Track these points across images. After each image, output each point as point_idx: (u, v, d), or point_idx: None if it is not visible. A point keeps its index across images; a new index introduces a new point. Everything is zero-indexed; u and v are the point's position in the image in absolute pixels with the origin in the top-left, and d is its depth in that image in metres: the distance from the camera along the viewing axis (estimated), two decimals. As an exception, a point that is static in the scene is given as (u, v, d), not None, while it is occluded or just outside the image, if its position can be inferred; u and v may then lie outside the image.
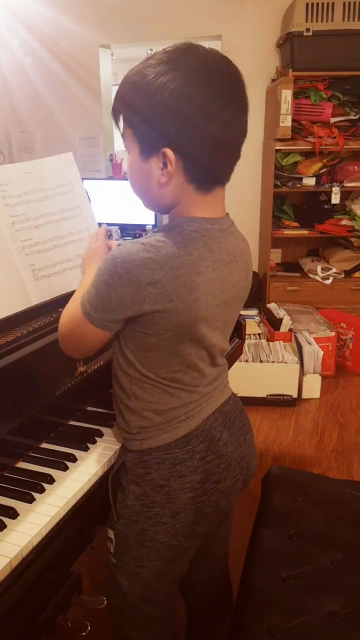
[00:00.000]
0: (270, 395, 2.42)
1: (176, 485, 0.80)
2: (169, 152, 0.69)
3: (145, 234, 3.46)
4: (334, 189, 2.92)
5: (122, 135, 0.75)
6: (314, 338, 2.57)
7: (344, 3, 2.59)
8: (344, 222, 3.05)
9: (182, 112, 0.66)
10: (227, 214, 0.80)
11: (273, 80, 2.94)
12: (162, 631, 0.94)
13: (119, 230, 3.08)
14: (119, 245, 0.74)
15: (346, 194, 3.07)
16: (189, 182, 0.72)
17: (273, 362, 2.40)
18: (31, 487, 0.79)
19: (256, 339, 2.65)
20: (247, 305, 3.15)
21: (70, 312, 0.81)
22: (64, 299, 1.06)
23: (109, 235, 1.04)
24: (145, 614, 0.89)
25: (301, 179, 2.97)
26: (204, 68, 0.67)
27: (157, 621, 0.92)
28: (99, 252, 0.98)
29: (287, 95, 2.65)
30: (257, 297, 3.18)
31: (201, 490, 0.82)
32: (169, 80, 0.65)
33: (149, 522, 0.81)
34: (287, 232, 3.06)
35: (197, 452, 0.81)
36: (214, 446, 0.83)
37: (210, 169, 0.72)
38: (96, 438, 0.94)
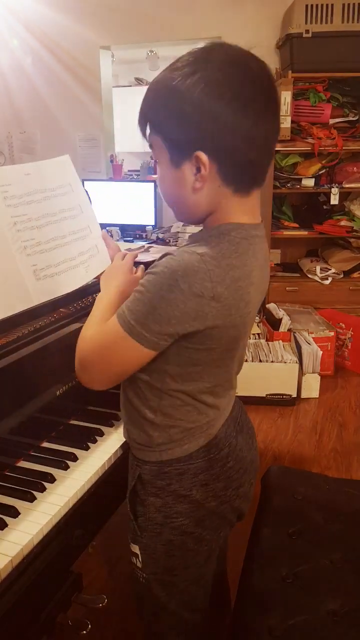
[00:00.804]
0: (270, 394, 2.42)
1: (200, 495, 0.78)
2: (202, 155, 0.66)
3: (146, 235, 3.42)
4: (333, 189, 2.93)
5: (150, 145, 0.72)
6: (313, 338, 2.57)
7: (343, 4, 2.59)
8: (343, 222, 3.05)
9: (212, 111, 0.64)
10: None
11: (272, 82, 2.94)
12: (204, 634, 0.93)
13: (119, 231, 3.08)
14: (160, 258, 0.68)
15: (345, 195, 3.08)
16: (226, 184, 0.68)
17: (272, 361, 2.41)
18: (32, 486, 0.79)
19: (255, 338, 2.66)
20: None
21: (100, 336, 0.73)
22: (65, 299, 1.07)
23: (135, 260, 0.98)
24: (186, 619, 0.87)
25: (300, 180, 2.97)
26: (231, 66, 0.65)
27: (199, 625, 0.90)
28: (123, 270, 0.91)
29: (286, 96, 2.66)
30: (256, 297, 3.18)
31: (224, 497, 0.81)
32: (197, 81, 0.63)
33: (174, 533, 0.79)
34: (286, 232, 3.07)
35: (219, 459, 0.80)
36: (233, 452, 0.82)
37: (245, 168, 0.68)
38: (97, 437, 0.94)
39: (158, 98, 0.68)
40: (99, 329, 0.75)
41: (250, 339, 2.67)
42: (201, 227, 0.77)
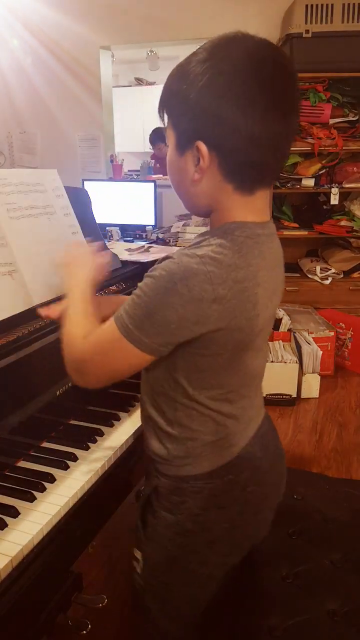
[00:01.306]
0: (270, 394, 2.42)
1: (214, 517, 0.76)
2: (202, 146, 0.64)
3: (146, 235, 3.42)
4: (333, 189, 2.93)
5: (166, 128, 0.71)
6: (313, 338, 2.57)
7: (343, 4, 2.59)
8: (343, 222, 3.05)
9: (214, 105, 0.61)
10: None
11: (272, 82, 2.94)
12: None
13: (119, 231, 3.08)
14: (163, 259, 0.66)
15: (345, 195, 3.08)
16: (227, 180, 0.66)
17: (272, 361, 2.41)
18: (32, 486, 0.79)
19: (256, 339, 2.65)
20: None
21: (96, 338, 0.70)
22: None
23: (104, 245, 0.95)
24: (173, 633, 0.86)
25: (300, 179, 2.97)
26: (243, 60, 0.62)
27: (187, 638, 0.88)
28: (84, 257, 0.87)
29: (286, 96, 2.66)
30: (256, 297, 3.18)
31: (240, 522, 0.78)
32: (206, 69, 0.62)
33: (180, 550, 0.77)
34: (286, 232, 3.07)
35: (239, 482, 0.77)
36: (255, 475, 0.79)
37: (246, 167, 0.65)
38: (97, 437, 0.94)
39: (172, 80, 0.67)
40: (93, 329, 0.72)
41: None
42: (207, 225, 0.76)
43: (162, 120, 0.70)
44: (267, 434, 0.84)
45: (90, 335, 0.72)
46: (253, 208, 0.69)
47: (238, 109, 0.61)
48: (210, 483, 0.75)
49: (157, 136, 4.22)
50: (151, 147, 4.57)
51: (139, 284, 0.66)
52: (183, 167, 0.68)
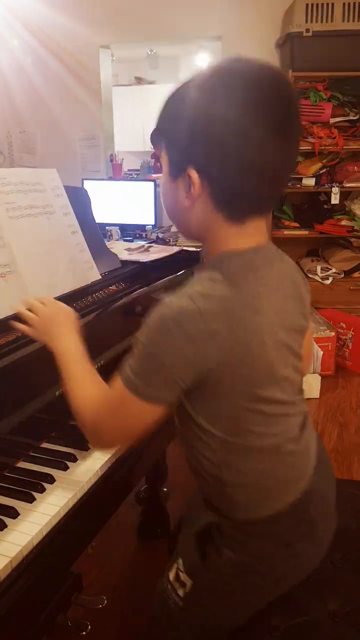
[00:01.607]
0: (270, 395, 2.42)
1: (281, 555, 0.74)
2: (193, 174, 0.62)
3: (146, 234, 3.41)
4: (333, 189, 2.93)
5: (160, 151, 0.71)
6: (313, 338, 2.57)
7: (344, 3, 2.59)
8: (344, 222, 3.05)
9: (208, 130, 0.60)
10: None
11: (273, 81, 2.94)
12: None
13: (119, 231, 3.08)
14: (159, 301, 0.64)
15: (346, 194, 3.08)
16: (218, 209, 0.64)
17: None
18: (32, 487, 0.79)
19: (256, 339, 2.65)
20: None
21: (105, 398, 0.69)
22: (65, 298, 1.07)
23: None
24: None
25: (301, 179, 2.97)
26: (242, 85, 0.60)
27: None
28: (59, 312, 0.84)
29: (286, 95, 2.66)
30: (256, 297, 3.18)
31: (305, 558, 0.77)
32: (201, 95, 0.61)
33: (243, 586, 0.76)
34: (286, 232, 3.07)
35: (306, 518, 0.75)
36: (319, 506, 0.77)
37: (240, 198, 0.64)
38: (96, 438, 0.94)
39: (167, 102, 0.67)
40: (100, 389, 0.72)
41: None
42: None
43: (157, 142, 0.70)
44: (319, 454, 0.81)
45: (99, 397, 0.71)
46: (245, 234, 0.67)
47: (232, 138, 0.60)
48: (278, 524, 0.73)
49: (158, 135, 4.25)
50: (152, 147, 4.57)
51: (137, 335, 0.65)
52: (175, 192, 0.67)
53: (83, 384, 0.75)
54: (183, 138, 0.63)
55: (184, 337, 0.60)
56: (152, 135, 0.72)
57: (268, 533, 0.74)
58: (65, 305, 0.86)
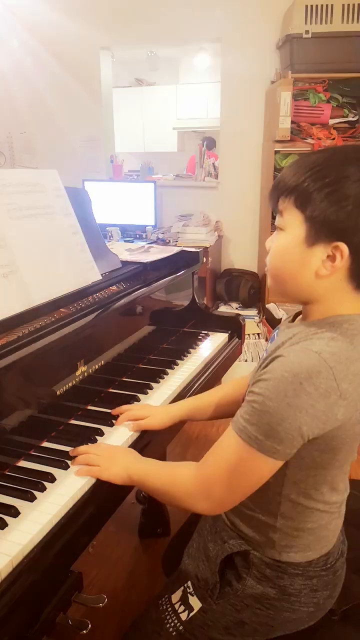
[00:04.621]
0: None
1: (305, 599, 0.76)
2: (344, 247, 0.64)
3: (146, 235, 3.40)
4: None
5: (281, 211, 0.69)
6: None
7: (343, 5, 2.60)
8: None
9: None
10: None
11: (272, 83, 2.95)
12: None
13: (119, 232, 3.08)
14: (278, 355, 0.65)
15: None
16: (350, 280, 0.66)
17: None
18: (32, 486, 0.79)
19: (255, 338, 2.66)
20: (246, 306, 3.16)
21: (221, 461, 0.69)
22: (65, 299, 1.07)
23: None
24: None
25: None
26: None
27: None
28: (116, 450, 0.87)
29: (286, 97, 2.66)
30: (256, 297, 3.18)
31: (323, 605, 0.79)
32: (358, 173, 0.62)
33: (254, 619, 0.76)
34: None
35: (333, 568, 0.78)
36: (343, 555, 0.81)
37: None
38: (97, 437, 0.94)
39: (321, 177, 0.64)
40: (184, 466, 0.73)
41: (250, 338, 2.67)
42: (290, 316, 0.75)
43: (275, 203, 0.69)
44: None
45: (195, 471, 0.71)
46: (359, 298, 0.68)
47: None
48: (310, 569, 0.75)
49: (212, 142, 4.74)
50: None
51: (254, 390, 0.65)
52: (306, 259, 0.67)
53: (171, 475, 0.76)
54: (341, 213, 0.63)
55: (317, 395, 0.60)
56: (278, 192, 0.70)
57: (298, 574, 0.76)
58: (111, 450, 0.87)
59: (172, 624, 0.80)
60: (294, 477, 0.70)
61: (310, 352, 0.62)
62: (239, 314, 1.54)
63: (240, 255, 3.38)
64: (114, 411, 1.00)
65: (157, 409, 0.99)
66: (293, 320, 0.78)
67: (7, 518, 0.73)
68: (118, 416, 1.00)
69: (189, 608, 0.79)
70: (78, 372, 1.01)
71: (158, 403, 1.07)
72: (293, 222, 0.67)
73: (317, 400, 0.61)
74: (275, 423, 0.62)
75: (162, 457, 1.59)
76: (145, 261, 1.37)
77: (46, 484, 0.80)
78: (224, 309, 3.10)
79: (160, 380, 1.17)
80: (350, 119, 2.84)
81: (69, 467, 0.85)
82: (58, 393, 0.96)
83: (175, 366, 1.24)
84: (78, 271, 1.14)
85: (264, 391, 0.63)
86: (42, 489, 0.79)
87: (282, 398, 0.61)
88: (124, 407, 0.99)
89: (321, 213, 0.64)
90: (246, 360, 2.42)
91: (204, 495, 0.71)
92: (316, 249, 0.66)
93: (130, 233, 3.15)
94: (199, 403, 1.01)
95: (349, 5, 2.59)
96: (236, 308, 3.13)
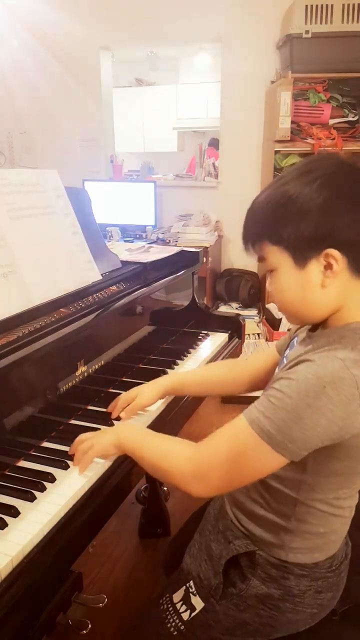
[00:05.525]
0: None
1: (309, 600, 0.77)
2: (333, 251, 0.65)
3: (146, 235, 3.40)
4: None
5: (262, 258, 0.72)
6: None
7: (343, 5, 2.60)
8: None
9: (342, 205, 0.64)
10: None
11: (272, 82, 2.95)
12: None
13: (119, 231, 3.09)
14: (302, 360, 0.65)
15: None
16: (356, 276, 0.68)
17: (272, 362, 2.41)
18: (32, 486, 0.79)
19: (255, 338, 2.66)
20: (246, 306, 3.16)
21: (226, 443, 0.68)
22: (65, 299, 1.07)
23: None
24: None
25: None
26: (341, 165, 0.67)
27: None
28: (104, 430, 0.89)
29: (286, 97, 2.66)
30: (256, 297, 3.18)
31: (327, 607, 0.80)
32: (318, 185, 0.65)
33: (256, 619, 0.76)
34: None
35: (338, 570, 0.79)
36: (347, 557, 0.82)
37: None
38: (97, 437, 0.94)
39: (276, 211, 0.68)
40: (184, 442, 0.73)
41: (250, 338, 2.67)
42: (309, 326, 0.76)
43: (252, 251, 0.72)
44: None
45: (194, 448, 0.72)
46: None
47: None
48: (315, 571, 0.76)
49: (217, 142, 4.72)
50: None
51: (275, 386, 0.65)
52: (306, 279, 0.68)
53: (166, 450, 0.76)
54: (312, 227, 0.65)
55: (338, 400, 0.61)
56: (250, 242, 0.74)
57: (305, 575, 0.76)
58: (99, 436, 0.87)
59: (174, 624, 0.80)
60: (312, 482, 0.71)
61: (335, 358, 0.63)
62: (239, 314, 1.54)
63: (240, 255, 3.38)
64: (109, 409, 1.00)
65: (143, 387, 1.00)
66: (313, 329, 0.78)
67: (7, 518, 0.73)
68: (118, 417, 1.00)
69: (191, 608, 0.79)
70: (78, 372, 1.01)
71: (158, 403, 1.07)
72: (278, 258, 0.70)
73: (337, 406, 0.61)
74: (290, 420, 0.62)
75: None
76: (145, 261, 1.36)
77: (46, 484, 0.80)
78: (224, 309, 3.11)
79: (160, 380, 1.17)
80: (350, 119, 2.84)
81: (69, 467, 0.85)
82: (58, 393, 0.96)
83: (175, 366, 1.24)
84: (78, 271, 1.14)
85: (285, 389, 0.64)
86: (42, 489, 0.79)
87: (303, 398, 0.62)
88: (114, 401, 1.00)
89: (295, 235, 0.67)
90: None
91: (199, 477, 0.70)
92: (310, 266, 0.67)
93: (130, 233, 3.15)
94: (186, 377, 1.05)
95: (349, 5, 2.59)
96: (236, 308, 3.13)
